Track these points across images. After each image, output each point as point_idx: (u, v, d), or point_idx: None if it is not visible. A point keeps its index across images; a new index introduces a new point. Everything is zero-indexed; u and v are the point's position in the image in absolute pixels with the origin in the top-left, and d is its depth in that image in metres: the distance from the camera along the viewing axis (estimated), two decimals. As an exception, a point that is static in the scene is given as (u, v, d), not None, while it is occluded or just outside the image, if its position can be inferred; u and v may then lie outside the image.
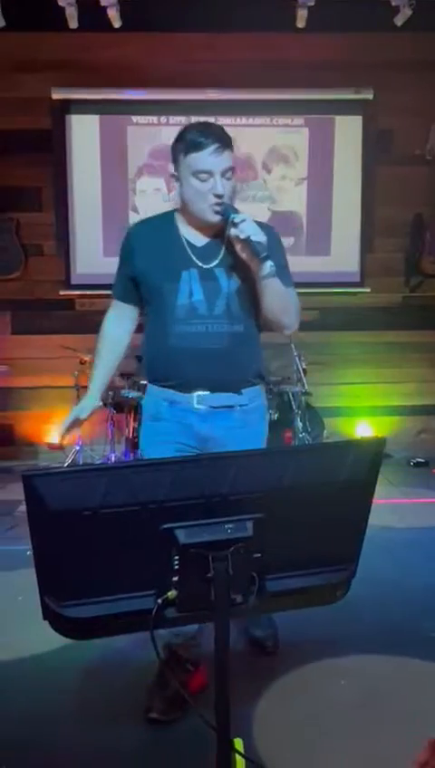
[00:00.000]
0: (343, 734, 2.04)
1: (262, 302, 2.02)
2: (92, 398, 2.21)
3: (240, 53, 4.91)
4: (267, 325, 2.12)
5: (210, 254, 2.03)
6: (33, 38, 4.86)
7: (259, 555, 1.31)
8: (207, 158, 1.92)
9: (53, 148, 5.11)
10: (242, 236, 1.88)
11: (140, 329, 2.23)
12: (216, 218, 1.97)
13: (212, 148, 1.92)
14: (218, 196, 1.94)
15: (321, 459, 1.37)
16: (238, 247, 1.93)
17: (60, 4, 4.12)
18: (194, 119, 5.10)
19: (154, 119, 5.17)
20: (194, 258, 2.02)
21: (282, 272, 2.01)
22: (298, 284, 5.22)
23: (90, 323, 4.87)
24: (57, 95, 5.02)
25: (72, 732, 2.12)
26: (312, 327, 4.91)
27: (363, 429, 5.36)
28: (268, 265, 1.92)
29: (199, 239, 2.05)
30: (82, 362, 4.67)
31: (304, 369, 4.63)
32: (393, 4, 4.24)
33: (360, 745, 2.01)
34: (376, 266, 5.32)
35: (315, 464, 1.35)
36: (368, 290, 5.32)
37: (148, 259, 2.07)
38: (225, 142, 1.95)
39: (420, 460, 5.20)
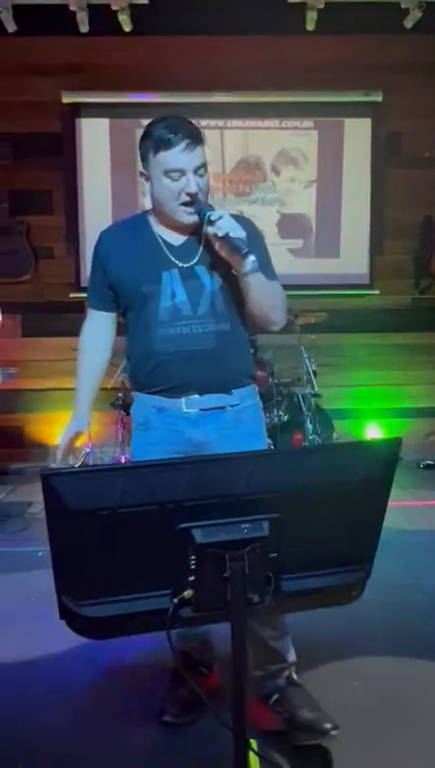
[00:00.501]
0: (357, 736, 2.04)
1: (247, 299, 1.94)
2: (83, 423, 2.12)
3: (249, 56, 4.93)
4: (254, 322, 2.03)
5: (188, 253, 1.94)
6: (43, 42, 4.89)
7: (275, 555, 1.31)
8: (178, 155, 1.83)
9: (63, 152, 5.13)
10: (220, 234, 1.81)
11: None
12: (190, 219, 1.90)
13: (183, 144, 1.83)
14: (191, 195, 1.86)
15: (337, 459, 1.38)
16: (217, 245, 1.85)
17: (71, 8, 4.14)
18: (203, 122, 5.17)
19: (164, 122, 5.19)
20: (172, 258, 1.94)
21: (265, 266, 1.94)
22: (307, 287, 5.28)
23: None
24: (67, 99, 5.05)
25: (87, 732, 2.13)
26: (321, 329, 4.92)
27: (373, 431, 5.36)
28: (250, 261, 1.83)
29: (176, 238, 1.97)
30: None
31: (313, 371, 4.63)
32: (403, 6, 4.25)
33: (373, 747, 2.01)
34: (385, 268, 5.31)
35: (331, 464, 1.35)
36: (377, 292, 5.32)
37: (124, 263, 1.98)
38: (195, 138, 1.86)
39: (429, 462, 5.19)
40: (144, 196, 5.11)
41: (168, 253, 1.94)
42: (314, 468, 1.32)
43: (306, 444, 4.52)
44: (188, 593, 1.30)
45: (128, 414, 4.61)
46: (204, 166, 1.88)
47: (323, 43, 4.83)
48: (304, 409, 4.57)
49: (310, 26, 4.41)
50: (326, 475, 1.32)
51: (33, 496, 4.30)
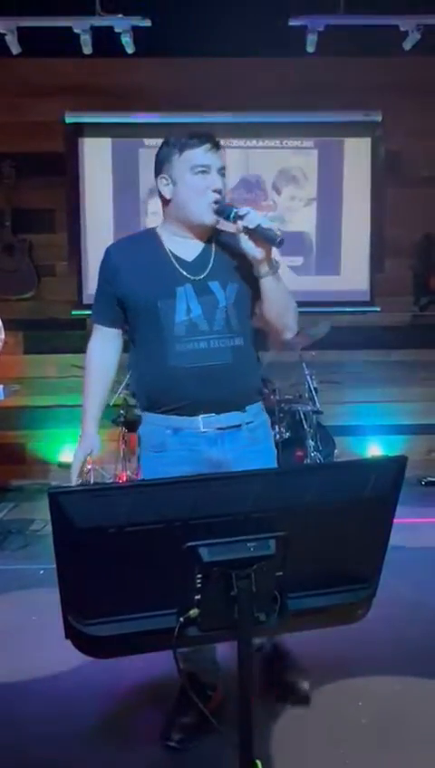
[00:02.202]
0: (362, 756, 2.02)
1: (264, 303, 1.95)
2: (94, 444, 2.12)
3: (250, 77, 4.99)
4: (269, 330, 2.03)
5: (199, 267, 1.95)
6: (47, 64, 4.96)
7: (281, 573, 1.31)
8: (205, 153, 1.90)
9: (66, 171, 5.18)
10: (251, 226, 1.82)
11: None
12: (212, 218, 1.92)
13: (208, 145, 1.91)
14: (218, 191, 1.90)
15: (343, 477, 1.38)
16: (249, 245, 1.85)
17: (75, 31, 4.20)
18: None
19: (165, 141, 5.24)
20: (184, 272, 1.94)
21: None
22: (308, 303, 5.33)
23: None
24: (70, 119, 5.11)
25: (90, 753, 2.11)
26: (322, 346, 4.93)
27: (374, 448, 5.35)
28: (277, 260, 1.87)
29: (187, 252, 1.97)
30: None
31: (315, 388, 4.64)
32: (402, 28, 4.31)
33: (379, 766, 1.99)
34: (386, 286, 5.34)
35: (338, 482, 1.35)
36: (378, 309, 5.35)
37: (135, 277, 1.96)
38: (217, 143, 1.94)
39: (431, 479, 5.18)
40: (151, 216, 5.18)
41: (179, 267, 1.94)
42: (321, 486, 1.32)
43: (308, 461, 4.52)
44: (194, 612, 1.30)
45: (130, 431, 4.62)
46: (224, 168, 1.94)
47: (324, 65, 4.90)
48: (305, 426, 4.57)
49: (310, 48, 4.47)
50: (333, 492, 1.32)
51: (35, 513, 4.30)
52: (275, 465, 2.17)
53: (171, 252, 1.96)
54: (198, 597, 1.29)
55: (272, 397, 4.42)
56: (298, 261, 5.35)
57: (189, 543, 1.26)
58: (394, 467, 1.35)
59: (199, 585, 1.28)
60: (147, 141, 5.23)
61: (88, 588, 1.29)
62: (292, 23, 4.23)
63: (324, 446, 4.72)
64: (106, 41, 4.38)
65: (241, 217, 1.84)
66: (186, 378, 1.90)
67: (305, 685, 2.28)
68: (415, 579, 3.37)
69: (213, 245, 1.97)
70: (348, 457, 5.30)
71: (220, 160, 1.93)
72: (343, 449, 5.26)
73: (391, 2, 4.19)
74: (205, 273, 1.94)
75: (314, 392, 4.61)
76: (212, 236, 1.98)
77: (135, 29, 4.23)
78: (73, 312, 5.23)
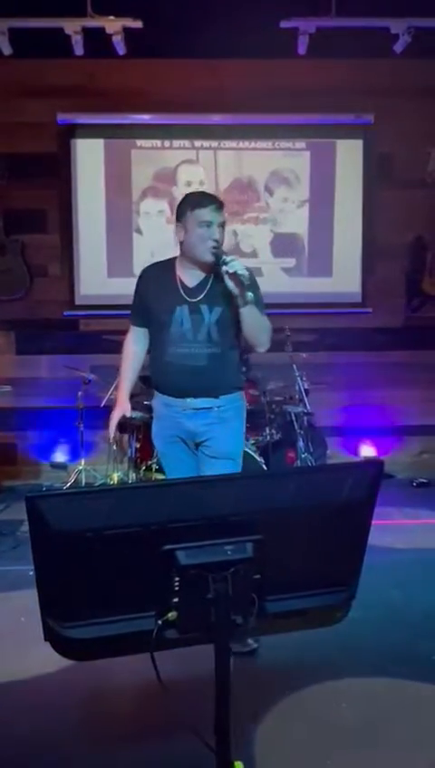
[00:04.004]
0: (344, 758, 2.03)
1: (242, 324, 2.57)
2: (127, 404, 2.80)
3: (242, 79, 5.00)
4: (246, 342, 2.67)
5: (197, 293, 2.61)
6: (39, 65, 4.96)
7: (259, 576, 1.32)
8: (210, 212, 2.54)
9: (58, 172, 5.18)
10: (231, 270, 2.45)
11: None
12: (211, 258, 2.53)
13: (213, 206, 2.56)
14: (215, 240, 2.52)
15: (320, 481, 1.39)
16: (231, 284, 2.47)
17: (66, 32, 4.20)
18: (197, 142, 5.23)
19: (158, 142, 5.25)
20: (185, 296, 2.60)
21: (258, 303, 2.57)
22: (300, 305, 5.37)
23: (94, 344, 5.01)
24: (63, 120, 5.12)
25: (73, 754, 2.11)
26: (314, 347, 4.95)
27: (366, 450, 5.37)
28: (249, 294, 2.48)
29: (190, 280, 2.62)
30: (86, 382, 4.70)
31: (305, 390, 4.65)
32: (393, 31, 4.32)
33: (361, 769, 2.00)
34: (378, 288, 5.36)
35: (315, 486, 1.36)
36: (370, 311, 5.36)
37: (153, 296, 2.67)
38: (220, 204, 2.59)
39: (422, 480, 5.20)
40: (144, 216, 5.20)
41: (182, 292, 2.61)
42: (298, 490, 1.33)
43: (299, 462, 4.53)
44: (172, 615, 1.31)
45: (121, 432, 4.63)
46: (224, 224, 2.59)
47: (316, 67, 4.91)
48: (296, 428, 4.58)
49: (302, 50, 4.48)
50: (310, 496, 1.33)
51: (26, 514, 4.29)
52: (240, 440, 2.76)
53: (180, 279, 2.64)
54: (175, 600, 1.30)
55: (262, 398, 4.43)
56: (290, 263, 5.36)
57: (167, 547, 1.27)
58: (371, 471, 1.36)
59: (177, 588, 1.29)
60: (139, 142, 5.24)
61: (66, 591, 1.30)
62: (283, 25, 4.24)
63: (316, 448, 4.73)
64: (98, 42, 4.38)
65: (227, 264, 2.45)
66: (174, 371, 2.62)
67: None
68: (403, 580, 3.39)
69: (211, 278, 2.61)
70: (339, 459, 5.33)
71: (222, 217, 2.57)
72: (335, 451, 5.29)
73: (381, 4, 4.20)
74: (199, 298, 2.60)
75: (304, 394, 4.62)
76: (212, 272, 2.59)
77: (127, 30, 4.23)
78: (66, 313, 5.24)
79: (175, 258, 2.69)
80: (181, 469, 2.72)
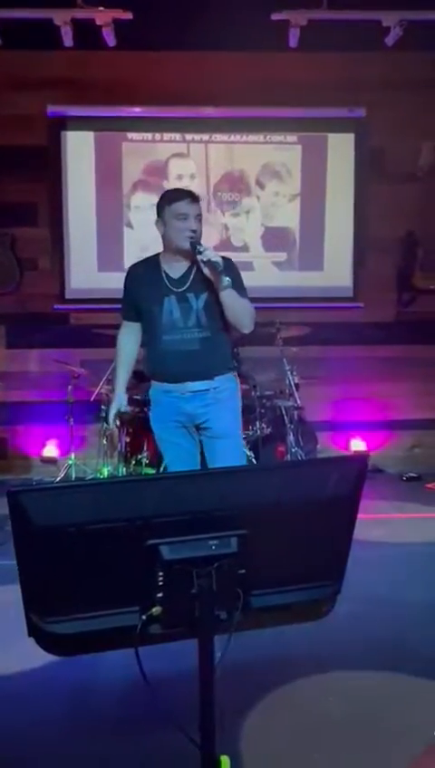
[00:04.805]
0: (332, 752, 2.03)
1: (224, 309, 2.73)
2: (122, 402, 2.95)
3: (234, 72, 4.98)
4: (231, 325, 2.80)
5: (182, 282, 2.77)
6: (29, 56, 4.92)
7: (244, 571, 1.31)
8: (185, 205, 2.71)
9: (48, 165, 5.15)
10: (205, 259, 2.64)
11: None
12: (187, 245, 2.69)
13: (188, 199, 2.73)
14: (193, 231, 2.69)
15: (305, 476, 1.38)
16: (206, 270, 2.67)
17: (56, 23, 4.17)
18: (188, 136, 5.21)
19: (149, 135, 5.23)
20: (171, 287, 2.77)
21: (239, 287, 2.76)
22: (291, 299, 5.36)
23: (84, 337, 4.99)
24: (53, 112, 5.08)
25: (59, 749, 2.10)
26: (305, 342, 4.94)
27: (356, 444, 5.38)
28: (226, 279, 2.67)
29: (175, 272, 2.78)
30: (75, 376, 4.68)
31: (296, 384, 4.64)
32: (384, 24, 4.31)
33: (349, 763, 2.00)
34: (369, 282, 5.36)
35: (299, 480, 1.36)
36: (361, 305, 5.36)
37: (141, 290, 2.82)
38: (195, 198, 2.76)
39: (412, 475, 5.21)
40: (135, 210, 5.17)
41: (168, 283, 2.77)
42: (282, 485, 1.33)
43: (289, 457, 4.53)
44: (156, 610, 1.29)
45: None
46: (200, 216, 2.74)
47: (308, 60, 4.89)
48: (286, 422, 4.58)
49: (293, 43, 4.46)
50: (294, 491, 1.33)
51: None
52: (238, 419, 2.89)
53: (165, 271, 2.79)
54: (160, 595, 1.28)
55: (252, 393, 4.43)
56: (282, 256, 5.35)
57: (150, 542, 1.26)
58: (356, 465, 1.35)
59: (161, 583, 1.28)
60: (130, 135, 5.21)
61: (49, 586, 1.29)
62: (274, 17, 4.22)
63: (306, 442, 4.73)
64: (88, 34, 4.35)
65: (201, 253, 2.64)
66: (169, 358, 2.77)
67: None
68: (393, 575, 3.39)
69: (194, 268, 2.76)
70: (330, 453, 5.33)
71: (197, 209, 2.73)
72: (326, 445, 5.29)
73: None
74: (184, 287, 2.76)
75: (294, 388, 4.62)
76: (194, 262, 2.74)
77: (116, 22, 4.20)
78: (56, 306, 5.22)
79: (159, 254, 2.86)
80: (179, 454, 2.85)
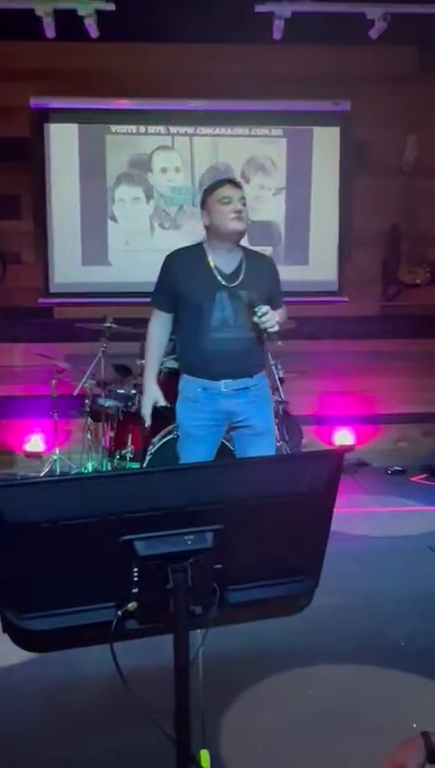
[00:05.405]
0: (312, 745, 2.04)
1: None
2: (156, 391, 2.89)
3: (219, 65, 4.95)
4: None
5: (234, 278, 2.76)
6: (11, 47, 4.87)
7: (220, 566, 1.31)
8: (227, 189, 2.72)
9: (31, 157, 5.10)
10: (260, 326, 2.66)
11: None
12: (237, 226, 2.70)
13: (230, 184, 2.76)
14: (238, 211, 2.69)
15: (279, 471, 1.38)
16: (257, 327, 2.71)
17: (37, 14, 4.13)
18: (173, 129, 5.18)
19: (133, 128, 5.19)
20: (223, 282, 2.73)
21: (278, 298, 2.90)
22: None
23: (68, 332, 4.95)
24: (36, 104, 5.03)
25: (37, 747, 2.10)
26: (290, 336, 4.93)
27: (341, 438, 5.39)
28: (273, 334, 2.71)
29: (226, 266, 2.76)
30: (60, 371, 4.65)
31: (280, 378, 4.63)
32: (368, 17, 4.30)
33: (329, 756, 2.01)
34: (354, 276, 5.36)
35: (274, 476, 1.35)
36: (346, 299, 5.36)
37: (188, 282, 2.75)
38: (236, 183, 2.79)
39: (397, 468, 5.24)
40: (118, 203, 5.14)
41: (219, 278, 2.74)
42: (257, 480, 1.32)
43: (274, 451, 4.52)
44: (132, 606, 1.29)
45: (95, 421, 4.60)
46: (243, 199, 2.74)
47: (292, 53, 4.87)
48: (271, 416, 4.57)
49: (277, 35, 4.44)
50: (269, 486, 1.32)
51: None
52: (272, 416, 2.97)
53: (215, 264, 2.75)
54: (135, 590, 1.28)
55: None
56: (267, 250, 5.31)
57: (125, 537, 1.25)
58: (331, 461, 1.35)
59: (136, 579, 1.27)
60: (114, 128, 5.17)
61: (23, 582, 1.28)
62: (258, 9, 4.20)
63: (291, 437, 4.73)
64: (72, 25, 4.30)
65: (259, 317, 2.65)
66: (215, 357, 2.73)
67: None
68: (375, 568, 3.41)
69: (244, 263, 2.77)
70: (315, 447, 5.34)
71: (241, 193, 2.74)
72: (311, 439, 5.30)
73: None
74: (236, 283, 2.74)
75: (278, 382, 4.60)
76: (243, 253, 2.79)
77: (99, 13, 4.16)
78: (40, 300, 5.18)
79: (201, 244, 2.83)
80: (201, 452, 2.83)
